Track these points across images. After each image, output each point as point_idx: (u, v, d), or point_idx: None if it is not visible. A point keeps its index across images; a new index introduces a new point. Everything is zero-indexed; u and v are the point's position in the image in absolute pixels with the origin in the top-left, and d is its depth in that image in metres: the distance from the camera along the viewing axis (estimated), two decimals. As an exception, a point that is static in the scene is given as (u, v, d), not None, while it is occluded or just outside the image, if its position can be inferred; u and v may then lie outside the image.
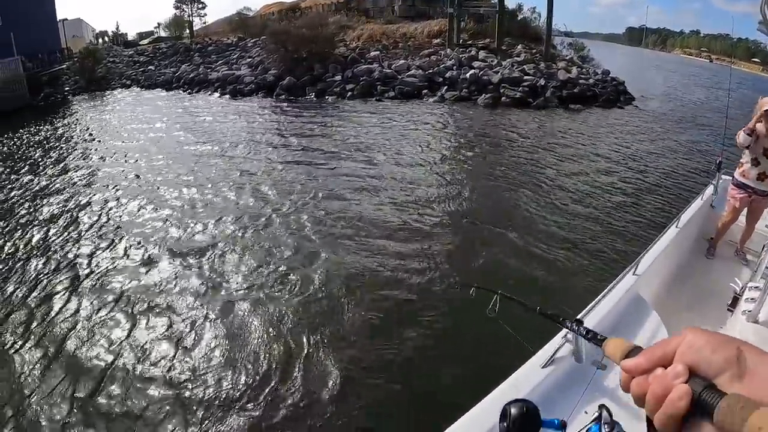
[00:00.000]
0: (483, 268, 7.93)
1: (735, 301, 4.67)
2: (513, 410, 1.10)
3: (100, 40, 62.88)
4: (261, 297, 7.15)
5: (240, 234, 9.41)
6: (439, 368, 5.59)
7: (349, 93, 26.56)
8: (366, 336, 6.15)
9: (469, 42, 33.73)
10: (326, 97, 26.77)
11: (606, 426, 0.90)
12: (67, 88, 35.97)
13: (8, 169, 15.16)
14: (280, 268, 7.95)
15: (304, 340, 6.05)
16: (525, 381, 2.85)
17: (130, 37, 64.91)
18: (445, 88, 26.39)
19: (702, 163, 15.02)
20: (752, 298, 4.11)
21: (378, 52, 31.94)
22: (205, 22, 63.26)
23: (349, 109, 23.47)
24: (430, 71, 28.08)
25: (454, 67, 28.17)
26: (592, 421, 1.92)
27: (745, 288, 4.48)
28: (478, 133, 18.83)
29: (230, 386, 5.36)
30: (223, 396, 5.23)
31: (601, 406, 1.83)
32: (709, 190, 6.75)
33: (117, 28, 66.83)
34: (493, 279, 7.41)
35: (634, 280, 4.00)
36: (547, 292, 7.16)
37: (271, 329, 6.35)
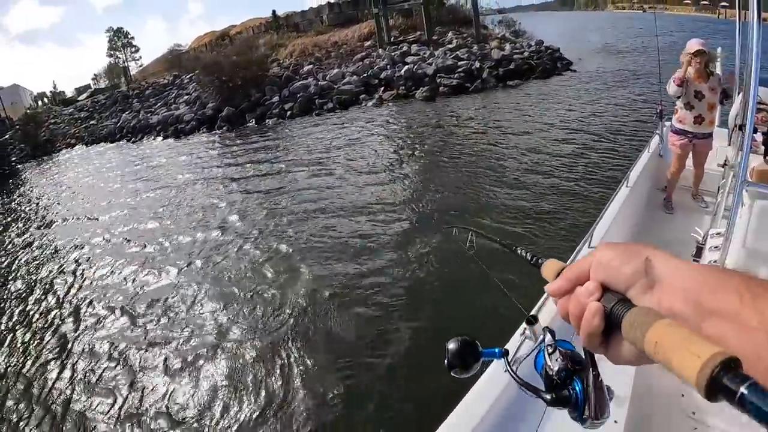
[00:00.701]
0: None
1: (699, 251, 4.52)
2: (451, 345, 1.08)
3: (39, 102, 62.05)
4: (250, 312, 7.32)
5: (216, 267, 9.39)
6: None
7: (289, 112, 26.33)
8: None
9: (400, 38, 33.69)
10: (267, 120, 26.53)
11: (549, 347, 0.79)
12: (13, 158, 35.48)
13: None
14: (263, 287, 8.06)
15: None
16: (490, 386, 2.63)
17: (68, 94, 64.10)
18: (382, 89, 26.30)
19: (646, 114, 15.02)
20: (716, 246, 4.02)
21: (311, 66, 31.78)
22: (141, 65, 62.58)
23: (291, 129, 23.26)
24: (365, 75, 27.96)
25: (388, 67, 28.10)
26: (540, 338, 1.78)
27: (707, 236, 4.40)
28: (421, 127, 18.77)
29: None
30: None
31: (545, 329, 1.67)
32: (655, 140, 6.71)
33: (54, 87, 65.93)
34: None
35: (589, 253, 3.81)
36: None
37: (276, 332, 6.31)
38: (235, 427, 5.18)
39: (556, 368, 0.93)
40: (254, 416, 5.26)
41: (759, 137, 5.05)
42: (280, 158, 17.64)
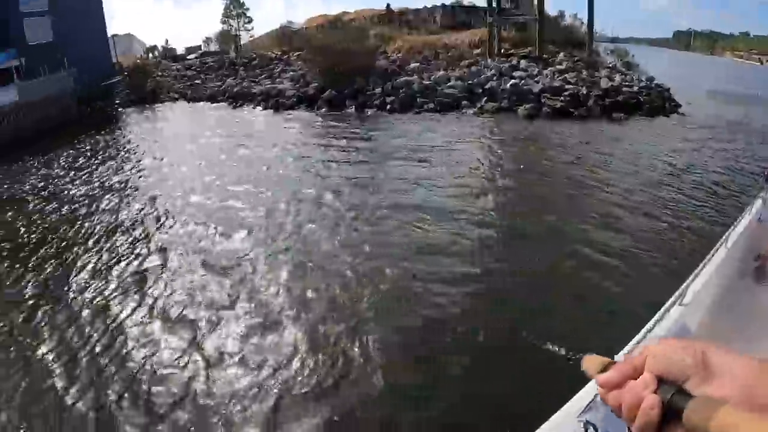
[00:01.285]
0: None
1: None
2: None
3: (150, 55, 64.53)
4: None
5: (299, 239, 10.06)
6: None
7: (389, 105, 26.72)
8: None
9: (511, 51, 33.53)
10: (366, 110, 26.99)
11: None
12: (117, 102, 37.30)
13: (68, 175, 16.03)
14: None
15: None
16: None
17: (178, 52, 66.44)
18: (485, 99, 26.25)
19: (751, 174, 14.52)
20: None
21: (418, 64, 32.08)
22: (251, 36, 64.26)
23: (390, 122, 23.68)
24: (470, 82, 27.98)
25: (494, 78, 28.00)
26: None
27: None
28: (518, 144, 18.80)
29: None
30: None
31: (587, 423, 1.90)
32: (758, 203, 6.23)
33: (166, 43, 67.99)
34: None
35: (680, 311, 3.86)
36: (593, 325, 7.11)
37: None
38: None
39: None
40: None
41: None
42: (377, 148, 18.03)
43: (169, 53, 64.84)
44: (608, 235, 10.09)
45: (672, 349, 0.72)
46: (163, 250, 10.02)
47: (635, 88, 27.38)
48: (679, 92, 29.35)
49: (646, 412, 0.67)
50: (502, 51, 33.60)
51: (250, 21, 67.11)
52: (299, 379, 6.04)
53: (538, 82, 26.69)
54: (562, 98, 25.06)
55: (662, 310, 3.76)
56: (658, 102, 26.34)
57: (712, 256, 4.87)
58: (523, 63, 30.13)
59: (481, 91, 27.14)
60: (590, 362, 0.89)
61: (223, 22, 66.64)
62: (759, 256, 5.71)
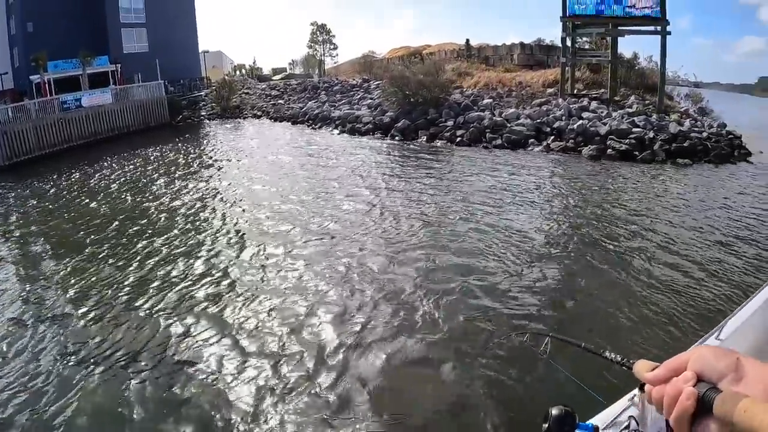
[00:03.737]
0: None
1: None
2: (554, 411, 1.22)
3: (237, 72, 67.71)
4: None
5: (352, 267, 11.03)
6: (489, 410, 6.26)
7: (459, 138, 28.08)
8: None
9: (583, 92, 34.32)
10: (436, 141, 28.45)
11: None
12: (203, 113, 40.09)
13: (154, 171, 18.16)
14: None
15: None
16: None
17: (264, 72, 69.50)
18: (552, 137, 27.27)
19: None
20: None
21: (491, 99, 33.35)
22: (336, 62, 66.85)
23: (458, 155, 24.97)
24: (539, 120, 28.97)
25: (563, 117, 28.89)
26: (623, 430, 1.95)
27: None
28: (580, 185, 19.53)
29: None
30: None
31: (630, 417, 1.94)
32: None
33: (253, 62, 71.44)
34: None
35: (716, 344, 3.65)
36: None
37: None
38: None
39: None
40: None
41: None
42: (443, 180, 19.20)
43: (255, 72, 68.09)
44: (667, 290, 10.04)
45: (712, 353, 0.87)
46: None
47: (704, 134, 27.52)
48: (751, 140, 29.29)
49: (682, 403, 0.83)
50: (575, 91, 34.47)
51: (336, 48, 70.05)
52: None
53: (605, 123, 27.36)
54: (627, 141, 25.72)
55: (698, 342, 3.80)
56: (726, 149, 26.52)
57: (754, 296, 4.60)
58: (593, 104, 30.95)
59: (548, 129, 28.11)
60: (642, 366, 1.07)
61: (309, 47, 69.70)
62: None
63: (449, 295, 9.44)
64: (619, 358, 1.30)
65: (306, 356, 7.45)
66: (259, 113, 41.16)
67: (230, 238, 12.88)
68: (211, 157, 22.06)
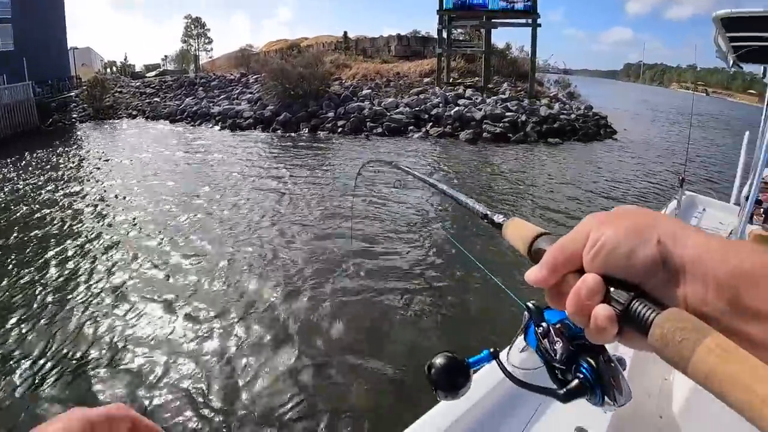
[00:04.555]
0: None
1: None
2: (437, 361, 0.87)
3: (108, 70, 64.53)
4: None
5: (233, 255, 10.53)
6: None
7: (340, 129, 28.02)
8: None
9: (459, 81, 35.43)
10: (318, 132, 28.20)
11: (540, 327, 0.74)
12: (74, 115, 37.47)
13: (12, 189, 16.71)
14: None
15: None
16: None
17: (137, 69, 66.72)
18: (430, 124, 27.89)
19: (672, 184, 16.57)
20: None
21: (370, 90, 33.63)
22: (211, 57, 65.12)
23: (340, 145, 24.90)
24: (417, 108, 29.56)
25: (440, 105, 29.63)
26: (525, 323, 1.25)
27: None
28: (459, 165, 20.26)
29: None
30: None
31: (527, 305, 1.10)
32: (672, 204, 7.03)
33: (125, 59, 68.27)
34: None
35: None
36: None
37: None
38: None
39: (556, 354, 0.73)
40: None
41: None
42: (326, 169, 19.15)
43: (128, 69, 65.16)
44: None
45: (617, 239, 0.53)
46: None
47: (573, 116, 29.48)
48: (617, 120, 31.91)
49: (598, 330, 0.52)
50: (451, 80, 35.49)
51: (210, 42, 68.08)
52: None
53: (480, 109, 28.37)
54: (501, 124, 26.81)
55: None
56: (593, 129, 28.46)
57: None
58: (468, 92, 32.00)
59: (427, 117, 28.74)
60: (515, 230, 0.74)
61: (184, 42, 67.39)
62: None
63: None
64: (482, 210, 0.91)
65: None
66: (134, 113, 39.01)
67: (92, 250, 11.90)
68: (81, 167, 20.54)
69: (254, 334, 7.27)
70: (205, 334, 7.27)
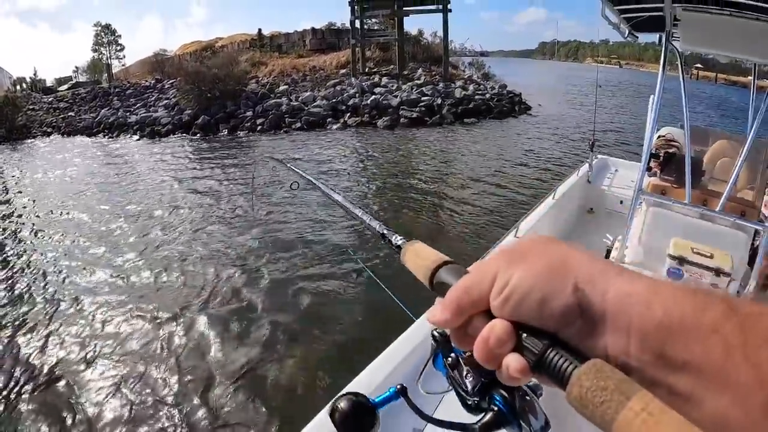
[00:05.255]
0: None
1: (608, 253, 5.24)
2: (341, 405, 0.82)
3: (18, 87, 62.11)
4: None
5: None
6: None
7: (260, 127, 27.89)
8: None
9: (375, 70, 35.78)
10: (238, 132, 28.03)
11: (448, 359, 0.68)
12: (-17, 139, 35.90)
13: None
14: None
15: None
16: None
17: (48, 83, 64.38)
18: (348, 114, 28.18)
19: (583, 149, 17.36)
20: (618, 248, 4.89)
21: (287, 86, 33.59)
22: (123, 65, 63.41)
23: (260, 143, 24.79)
24: (334, 100, 29.75)
25: (357, 95, 29.96)
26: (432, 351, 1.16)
27: (615, 240, 5.25)
28: (377, 151, 20.68)
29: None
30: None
31: (433, 335, 1.13)
32: (584, 167, 7.51)
33: (35, 74, 65.70)
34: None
35: (515, 241, 4.18)
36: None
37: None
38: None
39: (467, 386, 0.68)
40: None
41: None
42: (241, 168, 19.15)
43: (38, 85, 62.70)
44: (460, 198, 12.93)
45: (529, 284, 0.48)
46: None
47: (487, 96, 30.44)
48: (532, 96, 33.20)
49: (510, 377, 0.47)
50: (367, 70, 35.83)
51: (122, 49, 66.18)
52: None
53: (396, 96, 28.87)
54: (417, 109, 27.40)
55: (498, 240, 4.57)
56: (508, 106, 29.53)
57: (542, 202, 5.95)
58: (384, 80, 32.41)
59: (344, 107, 28.98)
60: (414, 257, 0.69)
61: (95, 50, 65.25)
62: (592, 209, 7.18)
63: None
64: (378, 228, 0.86)
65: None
66: (49, 129, 37.39)
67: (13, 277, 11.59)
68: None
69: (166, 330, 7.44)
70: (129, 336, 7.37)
